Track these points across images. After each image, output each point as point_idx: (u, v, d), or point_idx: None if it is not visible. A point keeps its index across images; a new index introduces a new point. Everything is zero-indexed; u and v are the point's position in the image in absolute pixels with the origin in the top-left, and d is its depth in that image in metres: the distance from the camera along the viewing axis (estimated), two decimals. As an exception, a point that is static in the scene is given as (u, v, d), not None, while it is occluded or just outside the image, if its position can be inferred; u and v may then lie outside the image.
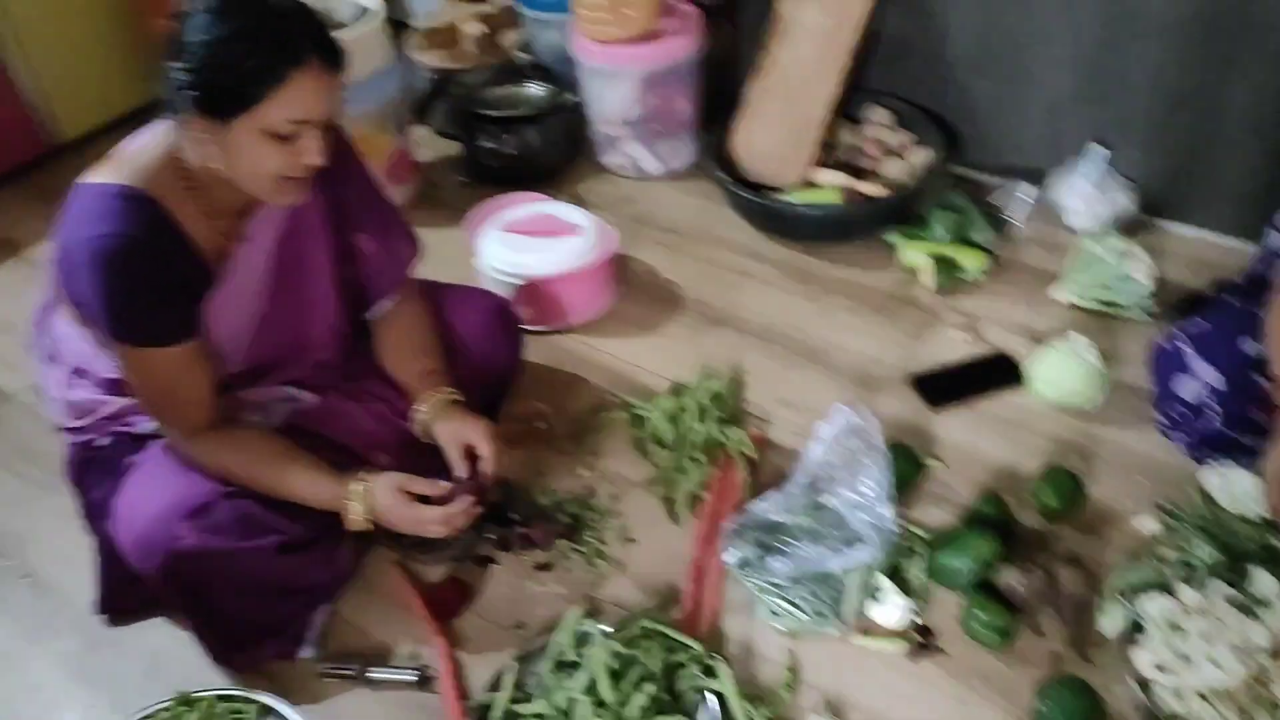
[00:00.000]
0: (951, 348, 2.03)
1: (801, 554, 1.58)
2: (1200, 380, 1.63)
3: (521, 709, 1.45)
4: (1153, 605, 1.48)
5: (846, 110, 2.48)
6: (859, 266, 2.25)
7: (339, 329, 1.64)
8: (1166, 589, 1.51)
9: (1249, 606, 1.47)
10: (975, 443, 1.83)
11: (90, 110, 2.88)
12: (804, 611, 1.54)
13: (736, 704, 1.42)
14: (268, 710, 1.43)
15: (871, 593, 1.56)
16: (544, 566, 1.68)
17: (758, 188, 2.36)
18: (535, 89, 2.60)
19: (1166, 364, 1.69)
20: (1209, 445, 1.68)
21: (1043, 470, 1.70)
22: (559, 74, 2.62)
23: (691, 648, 1.49)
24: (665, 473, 1.80)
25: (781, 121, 2.35)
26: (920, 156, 2.34)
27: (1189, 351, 1.65)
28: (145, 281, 1.33)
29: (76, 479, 1.57)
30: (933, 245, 2.18)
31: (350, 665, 1.55)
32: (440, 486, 1.51)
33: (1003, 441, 1.83)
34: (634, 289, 2.25)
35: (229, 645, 1.54)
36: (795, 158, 2.33)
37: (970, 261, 2.16)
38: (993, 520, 1.63)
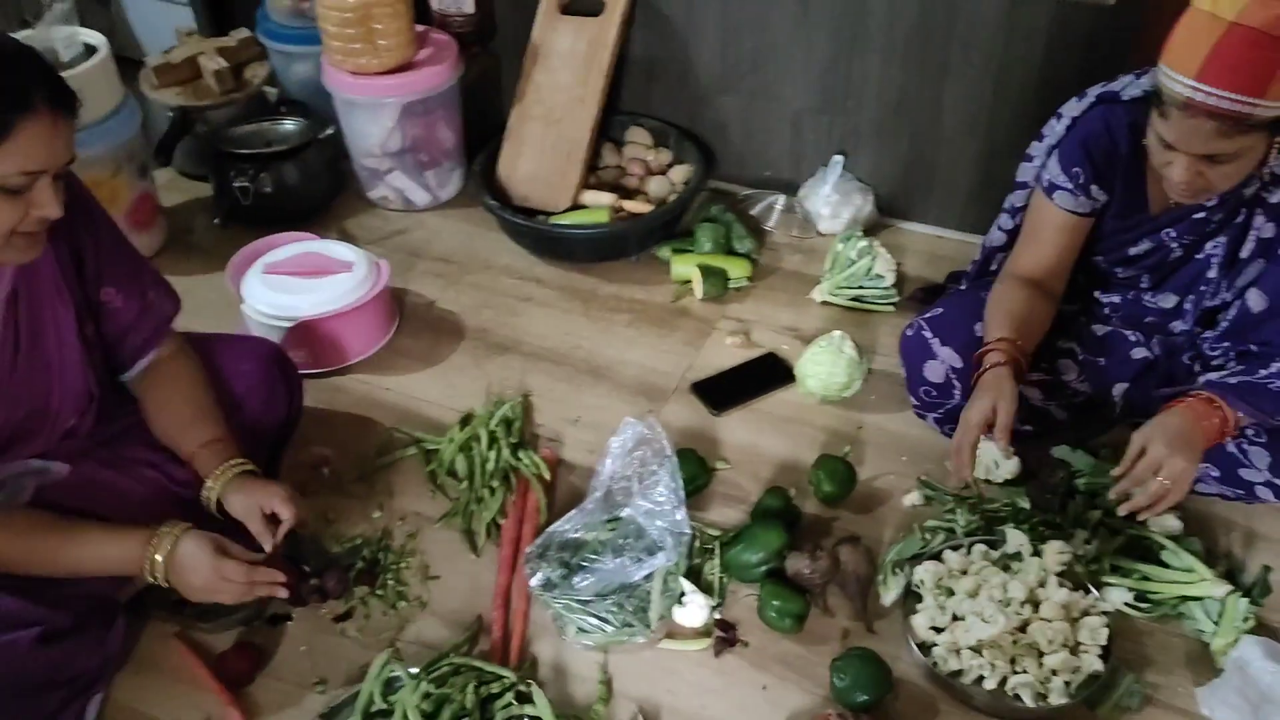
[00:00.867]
0: (727, 353, 2.12)
1: (603, 568, 1.61)
2: (943, 363, 1.79)
3: (334, 768, 1.39)
4: (923, 572, 1.61)
5: (609, 132, 2.55)
6: (634, 282, 2.32)
7: (88, 392, 1.52)
8: (935, 556, 1.66)
9: (1006, 564, 1.63)
10: (757, 441, 1.93)
11: None
12: (611, 624, 1.57)
13: (554, 726, 1.43)
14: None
15: (674, 596, 1.61)
16: (343, 616, 1.62)
17: (529, 212, 2.38)
18: (289, 124, 2.51)
19: (914, 351, 1.84)
20: (957, 420, 1.84)
21: (817, 460, 1.82)
22: (313, 108, 2.55)
23: (504, 676, 1.48)
24: (462, 505, 1.78)
25: (546, 146, 2.39)
26: (681, 173, 2.44)
27: (931, 337, 1.81)
28: None
29: None
30: (700, 257, 2.28)
31: (136, 753, 1.43)
32: (253, 557, 1.44)
33: (781, 437, 1.93)
34: (412, 322, 2.22)
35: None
36: (563, 181, 2.37)
37: (736, 270, 2.27)
38: (778, 512, 1.73)
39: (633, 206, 2.34)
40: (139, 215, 2.35)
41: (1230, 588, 1.55)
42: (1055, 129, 1.67)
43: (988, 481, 1.80)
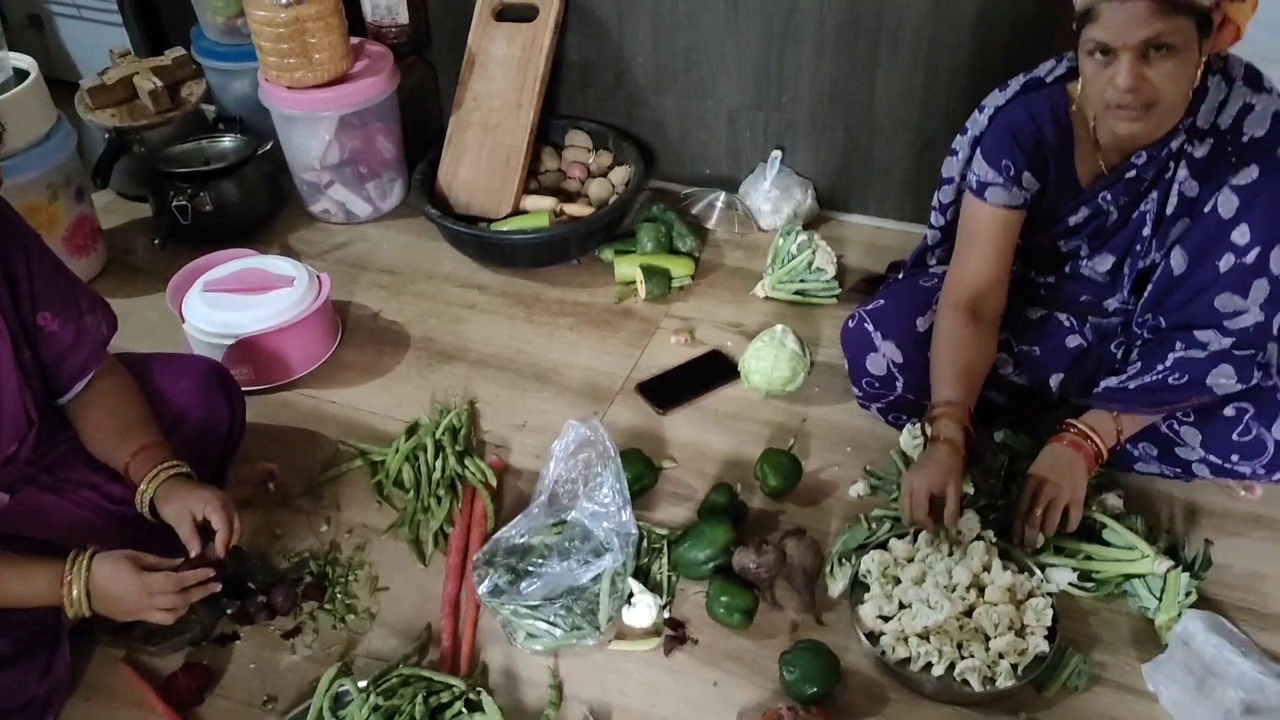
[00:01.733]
0: (672, 352, 2.13)
1: (550, 572, 1.61)
2: (884, 356, 1.80)
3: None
4: (870, 561, 1.63)
5: (548, 136, 2.56)
6: (578, 286, 2.32)
7: (27, 419, 1.50)
8: (882, 545, 1.67)
9: (952, 550, 1.65)
10: (703, 438, 1.94)
11: None
12: (560, 628, 1.57)
13: (504, 732, 1.43)
14: None
15: (622, 597, 1.61)
16: (292, 633, 1.62)
17: (471, 220, 2.38)
18: (227, 141, 2.49)
19: (855, 343, 1.85)
20: (900, 410, 1.87)
21: (762, 454, 1.83)
22: (251, 124, 2.53)
23: (453, 685, 1.48)
24: (409, 515, 1.78)
25: (485, 153, 2.39)
26: (621, 175, 2.45)
27: (872, 330, 1.82)
28: None
29: None
30: (643, 257, 2.29)
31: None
32: (172, 563, 1.42)
33: (727, 433, 1.95)
34: (356, 334, 2.21)
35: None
36: (503, 187, 2.37)
37: (679, 269, 2.28)
38: (724, 508, 1.74)
39: (573, 210, 2.34)
40: (78, 238, 2.33)
41: (1171, 563, 1.56)
42: (978, 121, 1.67)
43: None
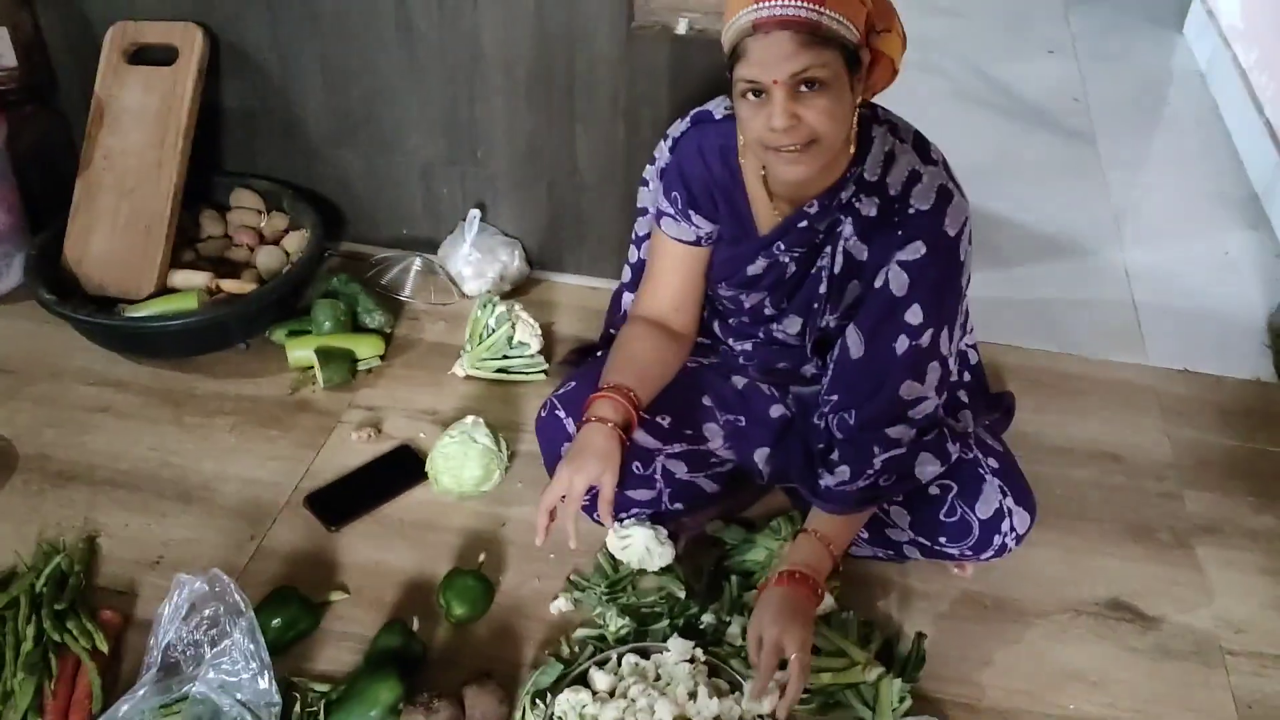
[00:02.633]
0: (353, 451, 1.83)
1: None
2: (582, 445, 1.58)
3: None
4: (564, 704, 1.39)
5: (210, 196, 2.19)
6: (244, 376, 1.97)
7: None
8: (581, 678, 1.44)
9: (659, 674, 1.44)
10: (382, 558, 1.65)
11: None
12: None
13: None
14: None
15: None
16: None
17: (107, 303, 1.98)
18: None
19: (549, 434, 1.62)
20: (615, 507, 1.65)
21: (445, 577, 1.56)
22: None
23: None
24: (-12, 702, 1.38)
25: (120, 221, 2.00)
26: (296, 241, 2.12)
27: (565, 417, 1.60)
28: None
29: None
30: (319, 339, 1.97)
31: None
32: None
33: (411, 549, 1.66)
34: (-52, 456, 1.77)
35: None
36: (143, 262, 1.98)
37: (365, 349, 1.98)
38: (395, 653, 1.45)
39: (231, 286, 1.99)
40: None
41: (882, 670, 1.43)
42: (663, 150, 1.55)
43: (642, 571, 1.62)
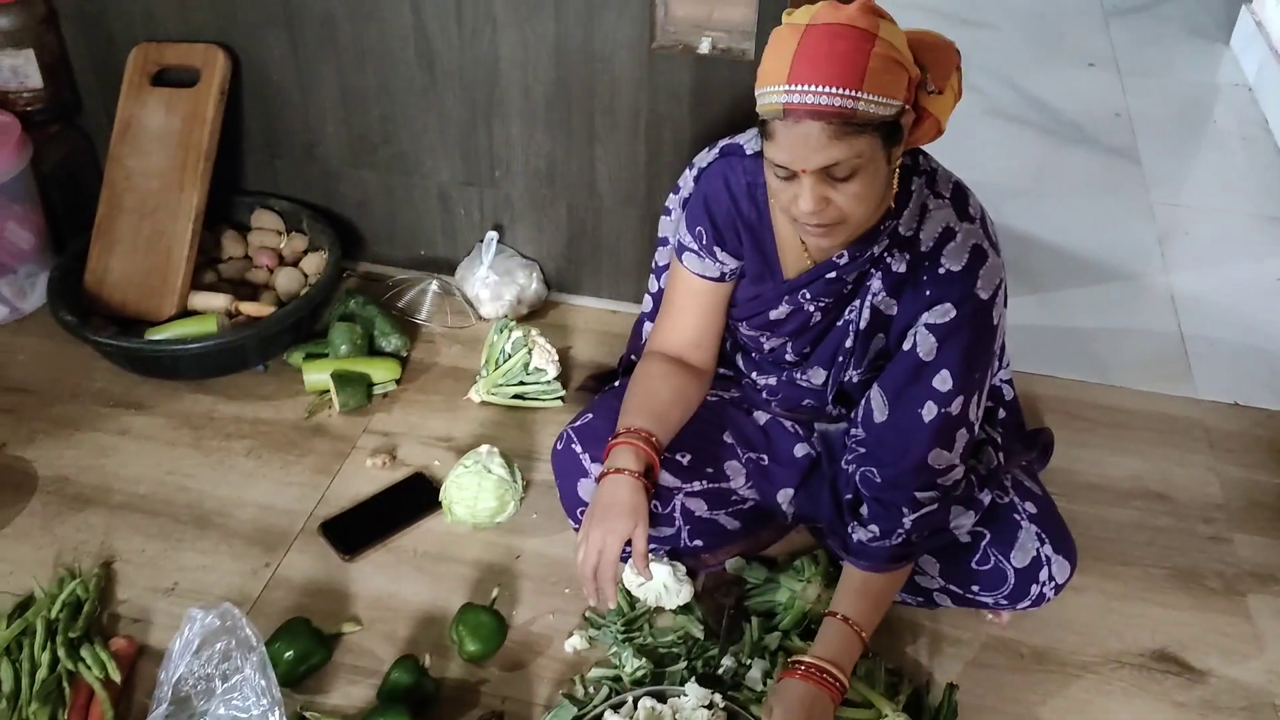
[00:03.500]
0: (368, 478, 1.82)
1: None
2: (596, 481, 1.55)
3: None
4: (576, 748, 1.37)
5: (231, 217, 2.20)
6: (262, 399, 1.96)
7: None
8: None
9: None
10: (396, 590, 1.63)
11: None
12: None
13: None
14: None
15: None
16: None
17: (127, 324, 1.98)
18: None
19: (565, 467, 1.60)
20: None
21: (458, 612, 1.54)
22: None
23: None
24: (0, 733, 1.39)
25: (141, 242, 2.01)
26: (314, 263, 2.11)
27: (581, 452, 1.58)
28: None
29: None
30: (335, 362, 1.96)
31: None
32: None
33: (425, 580, 1.65)
34: (-31, 478, 1.78)
35: None
36: (164, 284, 1.99)
37: (381, 373, 1.97)
38: (407, 690, 1.43)
39: (250, 309, 1.99)
40: None
41: (907, 721, 1.39)
42: (687, 180, 1.51)
43: (660, 609, 1.59)
